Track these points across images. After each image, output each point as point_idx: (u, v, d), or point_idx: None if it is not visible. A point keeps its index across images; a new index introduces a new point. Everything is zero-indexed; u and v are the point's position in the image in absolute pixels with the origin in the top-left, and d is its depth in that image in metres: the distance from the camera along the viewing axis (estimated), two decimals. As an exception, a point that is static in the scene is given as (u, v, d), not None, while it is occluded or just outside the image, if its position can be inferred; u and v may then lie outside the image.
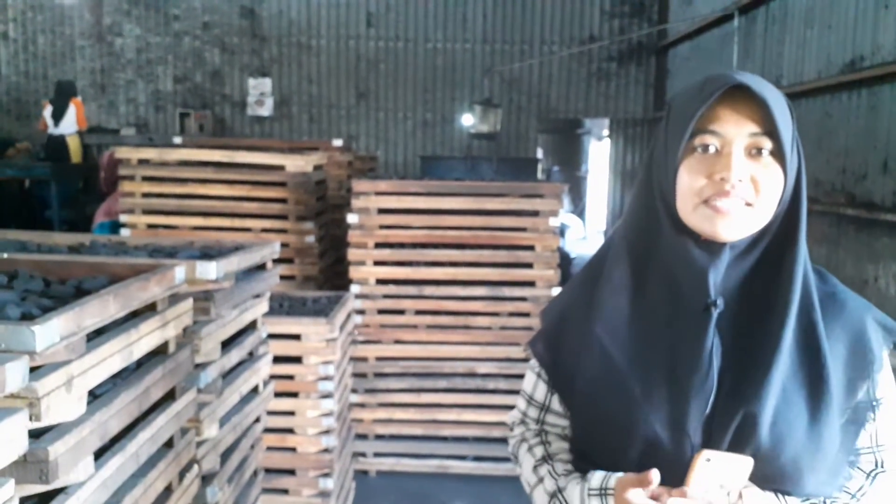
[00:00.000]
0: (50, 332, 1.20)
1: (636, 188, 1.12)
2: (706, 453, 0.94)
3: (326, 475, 3.29)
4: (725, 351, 1.02)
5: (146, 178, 4.26)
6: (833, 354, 1.02)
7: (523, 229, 4.08)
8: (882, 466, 1.07)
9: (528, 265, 4.08)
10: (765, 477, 0.99)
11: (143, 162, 4.27)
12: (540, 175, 9.09)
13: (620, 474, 1.02)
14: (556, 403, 1.20)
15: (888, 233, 4.27)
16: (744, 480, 0.96)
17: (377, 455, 4.21)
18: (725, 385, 1.00)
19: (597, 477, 1.04)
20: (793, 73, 5.60)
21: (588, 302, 1.11)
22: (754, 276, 1.03)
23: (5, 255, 1.80)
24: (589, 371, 1.08)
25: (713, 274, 1.01)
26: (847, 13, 4.77)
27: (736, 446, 0.98)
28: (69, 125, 8.26)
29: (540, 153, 11.98)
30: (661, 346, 1.04)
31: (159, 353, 1.72)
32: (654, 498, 0.96)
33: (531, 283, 4.09)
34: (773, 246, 1.03)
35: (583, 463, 1.11)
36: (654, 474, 0.95)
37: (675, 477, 0.95)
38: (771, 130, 0.98)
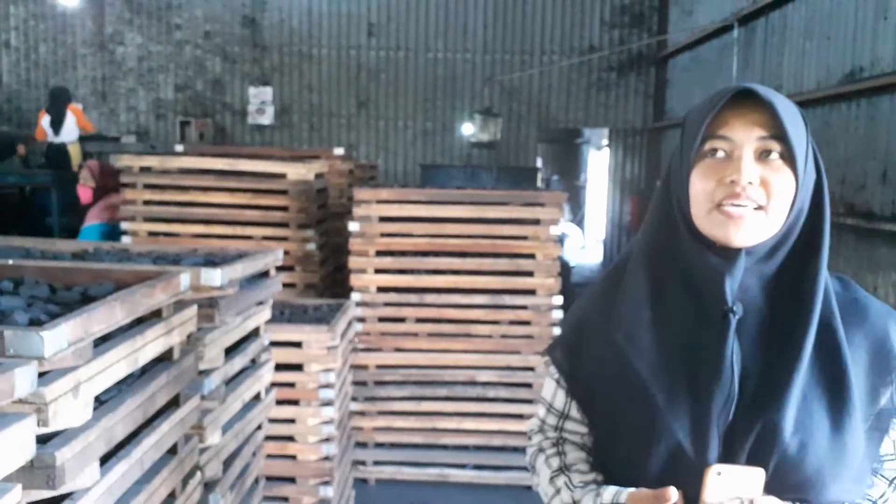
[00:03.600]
0: (58, 338, 1.20)
1: (655, 199, 1.13)
2: (716, 467, 0.94)
3: (326, 483, 3.29)
4: (746, 358, 1.01)
5: (148, 186, 4.28)
6: (855, 361, 1.01)
7: (524, 238, 4.08)
8: None
9: (529, 273, 4.09)
10: (788, 486, 0.98)
11: (144, 170, 4.28)
12: (539, 184, 9.13)
13: (633, 489, 1.01)
14: (574, 411, 1.19)
15: (887, 242, 4.28)
16: (759, 491, 0.95)
17: (377, 463, 4.20)
18: (747, 393, 1.00)
19: (609, 492, 1.04)
20: (792, 84, 5.63)
21: (607, 311, 1.11)
22: (775, 282, 1.03)
23: (10, 262, 1.81)
24: (610, 379, 1.08)
25: (729, 280, 1.01)
26: (846, 25, 4.80)
27: (757, 455, 0.98)
28: (70, 133, 8.26)
29: (539, 162, 12.01)
30: (681, 353, 1.03)
31: (164, 360, 1.73)
32: None
33: (532, 292, 4.09)
34: (795, 253, 1.03)
35: (602, 474, 1.11)
36: (673, 492, 0.95)
37: (697, 486, 0.95)
38: (779, 134, 0.99)
